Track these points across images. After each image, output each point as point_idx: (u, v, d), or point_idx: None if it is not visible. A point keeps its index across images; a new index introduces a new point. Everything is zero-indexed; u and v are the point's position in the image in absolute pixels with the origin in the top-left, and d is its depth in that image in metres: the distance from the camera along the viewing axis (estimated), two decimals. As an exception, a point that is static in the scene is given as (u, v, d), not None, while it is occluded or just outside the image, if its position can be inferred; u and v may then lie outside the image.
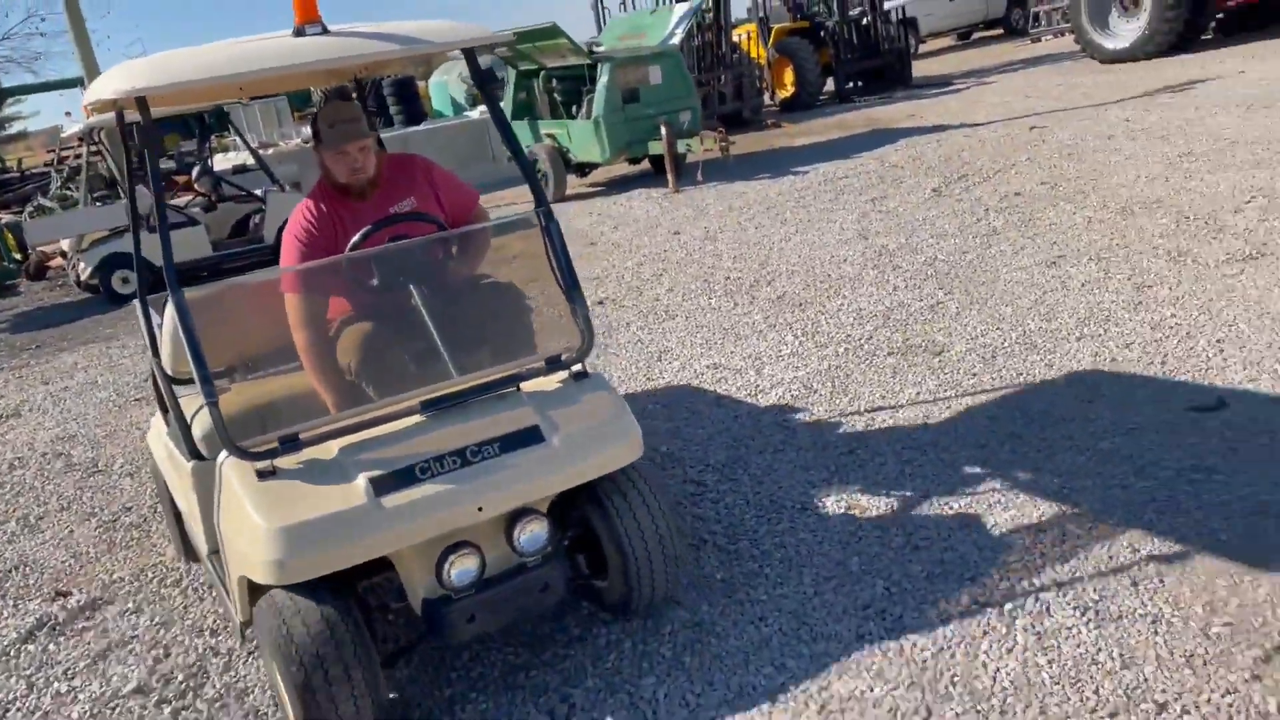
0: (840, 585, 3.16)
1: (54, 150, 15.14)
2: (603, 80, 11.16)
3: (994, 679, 2.63)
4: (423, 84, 21.77)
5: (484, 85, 3.09)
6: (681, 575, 3.31)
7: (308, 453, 2.66)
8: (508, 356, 2.97)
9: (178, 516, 3.75)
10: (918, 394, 4.53)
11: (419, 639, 2.95)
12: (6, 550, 4.50)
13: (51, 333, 9.45)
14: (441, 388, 2.81)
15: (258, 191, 10.54)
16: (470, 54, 3.06)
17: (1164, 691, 2.47)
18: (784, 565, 3.33)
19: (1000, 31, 25.93)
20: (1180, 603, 2.79)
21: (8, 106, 36.68)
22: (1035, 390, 4.35)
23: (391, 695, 2.94)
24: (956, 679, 2.66)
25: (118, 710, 3.16)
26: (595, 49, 12.07)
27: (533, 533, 2.73)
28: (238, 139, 12.88)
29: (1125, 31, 15.00)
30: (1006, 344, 4.91)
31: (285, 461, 2.63)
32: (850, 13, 17.58)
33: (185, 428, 3.06)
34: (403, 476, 2.60)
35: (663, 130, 10.74)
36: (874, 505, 3.62)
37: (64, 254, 11.94)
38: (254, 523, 2.51)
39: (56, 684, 3.36)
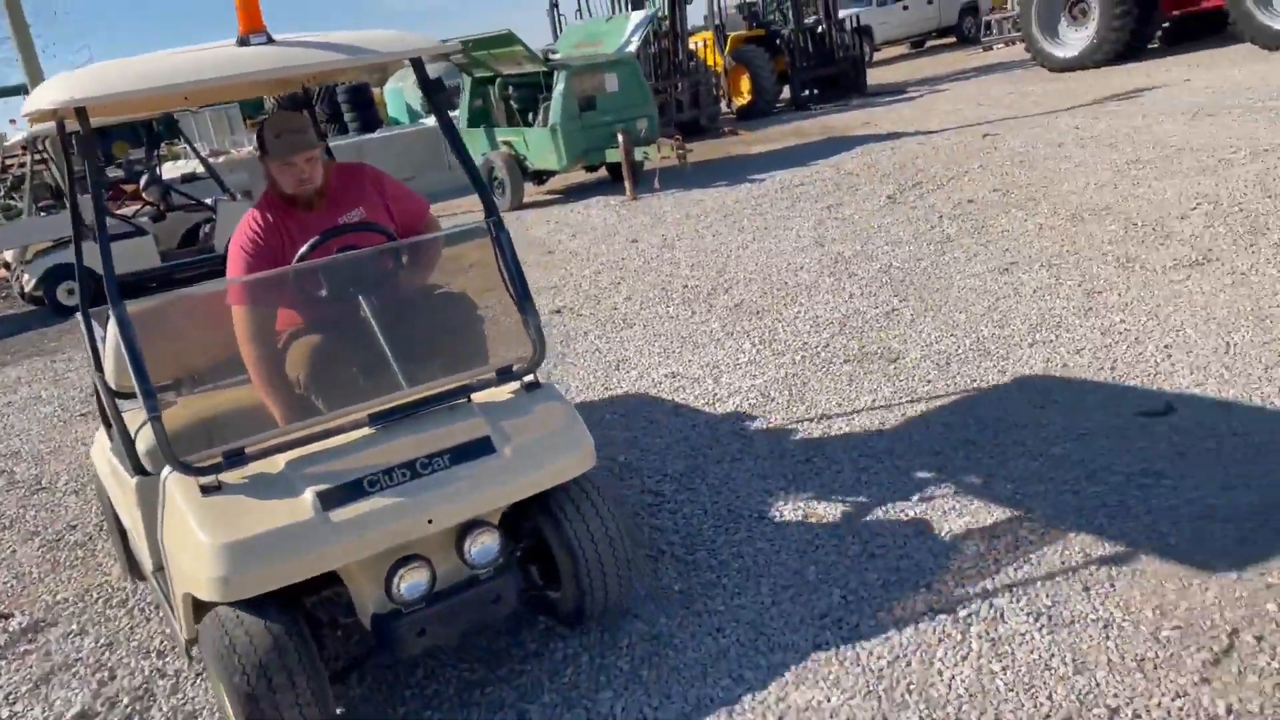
0: (797, 594, 3.16)
1: (-3, 158, 14.80)
2: (559, 88, 11.14)
3: (949, 686, 2.64)
4: (378, 91, 21.60)
5: (431, 94, 3.06)
6: (637, 585, 3.30)
7: (253, 467, 2.61)
8: (459, 367, 2.94)
9: (123, 534, 3.67)
10: (874, 401, 4.55)
11: (368, 654, 2.91)
12: (-55, 571, 4.37)
13: (-5, 345, 9.23)
14: (391, 399, 2.78)
15: (208, 200, 10.36)
16: (418, 63, 3.03)
17: (1115, 696, 2.49)
18: (741, 575, 3.32)
19: (953, 40, 26.30)
20: (1131, 607, 2.82)
21: (-50, 114, 35.84)
22: (989, 396, 4.39)
23: (340, 710, 2.89)
24: (912, 687, 2.66)
25: (60, 736, 3.07)
26: (551, 56, 12.05)
27: (484, 544, 2.71)
28: (188, 147, 12.68)
29: (1074, 40, 15.27)
30: (960, 350, 4.95)
31: (230, 476, 2.59)
32: (805, 21, 17.73)
33: (129, 443, 3.00)
34: (351, 490, 2.57)
35: (620, 138, 10.75)
36: (831, 513, 3.63)
37: (7, 265, 11.66)
38: (197, 539, 2.47)
39: (-4, 710, 3.27)
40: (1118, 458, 3.64)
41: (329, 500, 2.54)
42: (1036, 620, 2.82)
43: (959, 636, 2.82)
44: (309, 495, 2.54)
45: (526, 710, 2.82)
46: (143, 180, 10.81)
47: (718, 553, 3.48)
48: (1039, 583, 3.00)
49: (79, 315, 3.63)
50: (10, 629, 3.76)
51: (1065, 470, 3.63)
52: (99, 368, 3.40)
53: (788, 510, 3.70)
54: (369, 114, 19.51)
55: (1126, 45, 14.70)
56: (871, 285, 6.25)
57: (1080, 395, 4.23)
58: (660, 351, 5.77)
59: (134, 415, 3.02)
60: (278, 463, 2.63)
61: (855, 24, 17.77)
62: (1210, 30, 15.25)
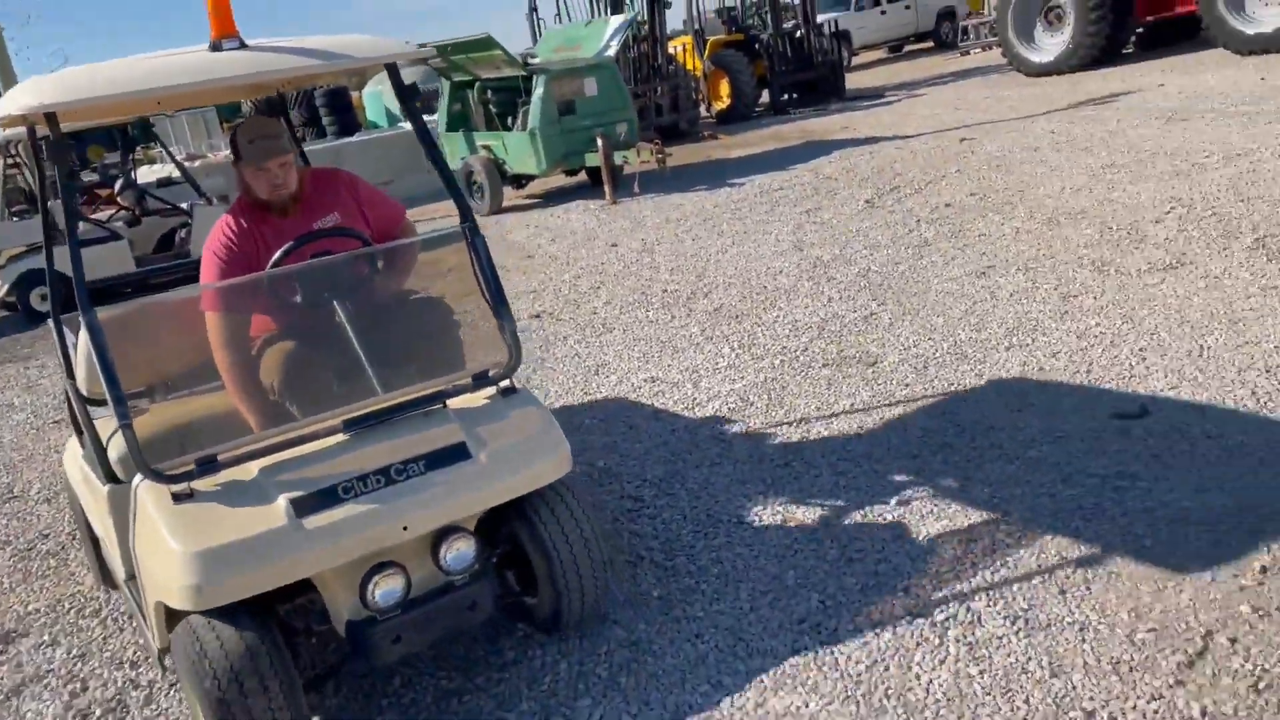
0: (776, 600, 3.16)
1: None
2: (538, 92, 11.12)
3: (927, 691, 2.64)
4: (356, 94, 21.50)
5: (406, 99, 3.05)
6: (616, 591, 3.29)
7: (226, 474, 2.60)
8: (434, 373, 2.93)
9: (95, 543, 3.63)
10: (852, 405, 4.56)
11: (343, 662, 2.90)
12: (-86, 582, 4.31)
13: (-33, 352, 9.12)
14: (366, 405, 2.77)
15: (184, 205, 10.28)
16: (392, 68, 3.02)
17: (1091, 699, 2.50)
18: (720, 581, 3.32)
19: (930, 44, 26.48)
20: (1107, 609, 2.83)
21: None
22: (966, 400, 4.41)
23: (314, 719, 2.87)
24: (890, 691, 2.66)
25: (30, 749, 3.03)
26: (530, 61, 12.03)
27: (459, 551, 2.71)
28: (163, 151, 12.57)
29: (1050, 46, 15.41)
30: (938, 354, 4.97)
31: (203, 484, 2.57)
32: (784, 26, 17.79)
33: (100, 450, 2.97)
34: (325, 497, 2.55)
35: (599, 142, 10.74)
36: (809, 518, 3.63)
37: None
38: (169, 547, 2.46)
39: (-35, 723, 3.22)
40: (1093, 460, 3.67)
41: (302, 507, 2.52)
42: (1013, 624, 2.83)
43: (936, 640, 2.82)
44: (282, 502, 2.53)
45: (504, 719, 2.81)
46: (118, 185, 10.71)
47: (697, 558, 3.48)
48: (1016, 586, 3.01)
49: (51, 321, 3.59)
50: (-20, 640, 3.71)
51: (1042, 473, 3.64)
52: (71, 374, 3.37)
53: (767, 515, 3.70)
54: (347, 118, 19.40)
55: (1101, 50, 14.86)
56: (850, 289, 6.27)
57: (1056, 398, 4.26)
58: (640, 356, 5.76)
59: (106, 422, 2.99)
60: (251, 470, 2.61)
61: (834, 29, 17.87)
62: (1184, 35, 15.43)
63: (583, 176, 12.47)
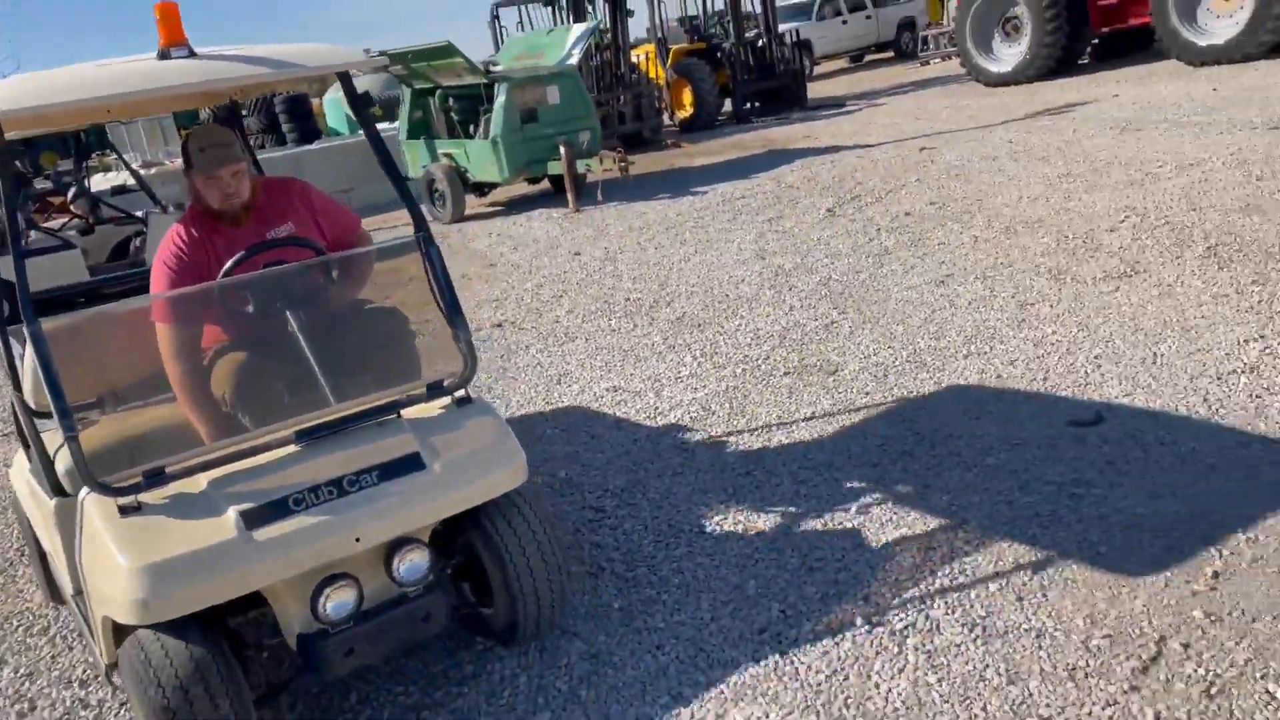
0: (737, 610, 3.15)
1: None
2: (500, 100, 11.08)
3: (886, 700, 2.65)
4: (317, 101, 21.34)
5: (359, 108, 3.03)
6: (576, 604, 3.27)
7: (175, 487, 2.56)
8: (389, 383, 2.91)
9: (43, 558, 3.55)
10: (813, 413, 4.58)
11: (295, 676, 2.86)
12: None
13: (-87, 363, 8.90)
14: (318, 416, 2.74)
15: (138, 213, 10.11)
16: (345, 77, 2.99)
17: (1048, 706, 2.52)
18: (682, 591, 3.31)
19: (891, 54, 26.72)
20: (1062, 616, 2.86)
21: None
22: (925, 407, 4.44)
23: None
24: (850, 701, 2.67)
25: (-27, 773, 2.95)
26: (492, 68, 11.99)
27: (413, 562, 2.69)
28: (118, 158, 12.38)
29: (1008, 56, 15.64)
30: (898, 362, 5.01)
31: (150, 496, 2.53)
32: (747, 35, 17.88)
33: (47, 463, 2.92)
34: (275, 508, 2.53)
35: (562, 150, 10.72)
36: (771, 527, 3.63)
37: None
38: (116, 561, 2.42)
39: (-95, 747, 3.13)
40: (1050, 467, 3.70)
41: (252, 519, 2.49)
42: (971, 631, 2.85)
43: (896, 649, 2.83)
44: (232, 514, 2.50)
45: (463, 734, 2.78)
46: (71, 192, 10.52)
47: (658, 569, 3.47)
48: (974, 593, 3.03)
49: None
50: (-77, 661, 3.61)
51: (999, 481, 3.67)
52: (17, 386, 3.29)
53: (728, 524, 3.70)
54: (307, 125, 19.24)
55: (1058, 61, 15.10)
56: (811, 298, 6.30)
57: (1014, 405, 4.30)
58: (602, 365, 5.75)
59: (53, 435, 2.94)
60: (200, 482, 2.58)
61: (795, 38, 17.96)
62: (1137, 46, 15.73)
63: (545, 185, 12.44)
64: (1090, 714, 2.47)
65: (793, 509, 3.73)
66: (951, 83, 17.29)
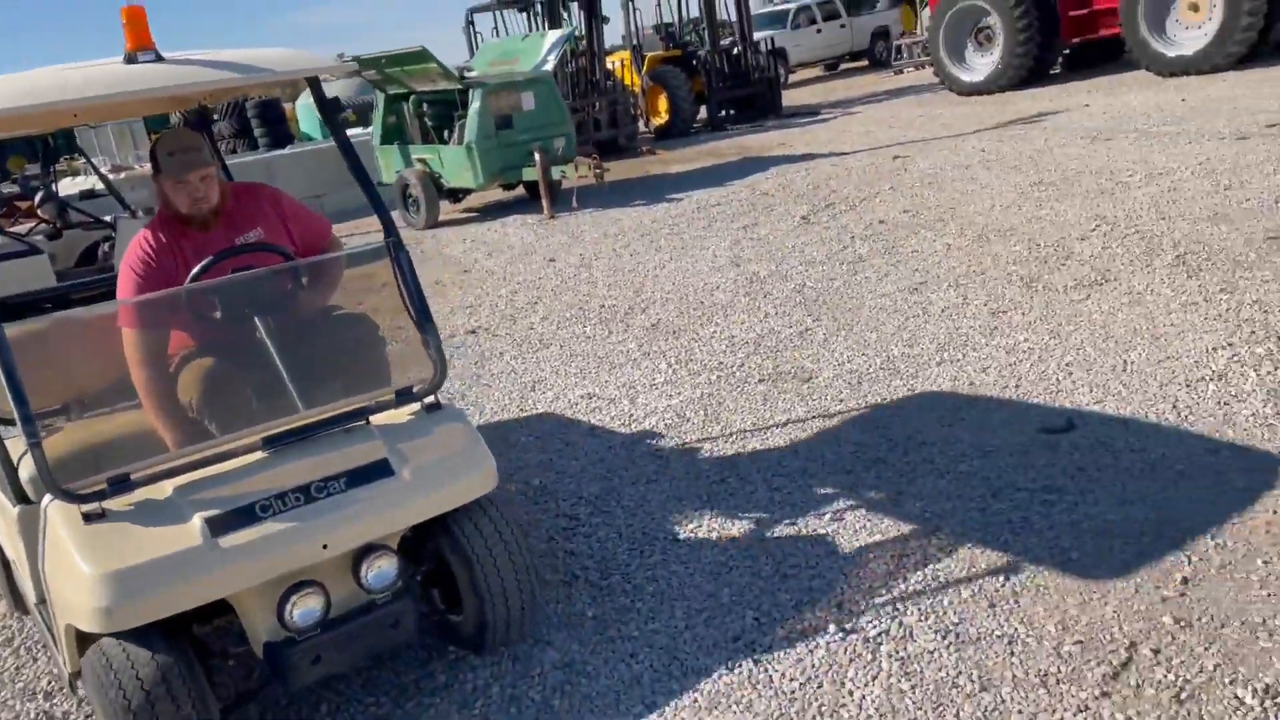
0: (711, 618, 3.14)
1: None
2: (475, 106, 11.05)
3: (860, 707, 2.65)
4: (289, 106, 21.21)
5: (329, 114, 3.01)
6: (547, 609, 3.25)
7: (140, 493, 2.54)
8: (358, 389, 2.89)
9: (6, 566, 3.49)
10: (787, 420, 4.58)
11: (262, 685, 2.83)
12: None
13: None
14: (286, 422, 2.72)
15: (107, 218, 9.99)
16: (314, 82, 2.97)
17: (1020, 712, 2.53)
18: (656, 599, 3.29)
19: (865, 63, 26.94)
20: (1034, 622, 2.87)
21: None
22: (899, 414, 4.46)
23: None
24: (824, 708, 2.66)
25: (-68, 788, 2.89)
26: (467, 74, 11.96)
27: (381, 569, 2.67)
28: (87, 162, 12.24)
29: (980, 65, 15.81)
30: (871, 369, 5.02)
31: (115, 503, 2.51)
32: (722, 43, 17.95)
33: (10, 470, 2.88)
34: (242, 515, 2.51)
35: (537, 156, 10.70)
36: (745, 534, 3.63)
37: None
38: (79, 568, 2.39)
39: None
40: (1022, 474, 3.72)
41: (218, 526, 2.47)
42: (944, 638, 2.85)
43: (869, 656, 2.83)
44: (197, 521, 2.47)
45: (434, 745, 2.75)
46: (38, 197, 10.38)
47: (632, 577, 3.45)
48: (947, 600, 3.04)
49: None
50: (-119, 674, 3.53)
51: (972, 487, 3.69)
52: (-21, 393, 3.24)
53: (702, 532, 3.69)
54: (280, 129, 19.12)
55: (1030, 71, 15.28)
56: (786, 305, 6.31)
57: (986, 413, 4.32)
58: (577, 372, 5.73)
59: (17, 442, 2.89)
60: (166, 489, 2.55)
61: (770, 46, 18.12)
62: (1108, 57, 15.93)
63: (520, 191, 12.41)
64: (1062, 720, 2.48)
65: (767, 516, 3.73)
66: (925, 91, 17.44)
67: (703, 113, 17.87)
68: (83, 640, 2.55)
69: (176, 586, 2.40)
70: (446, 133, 11.82)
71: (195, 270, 2.89)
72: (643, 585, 3.39)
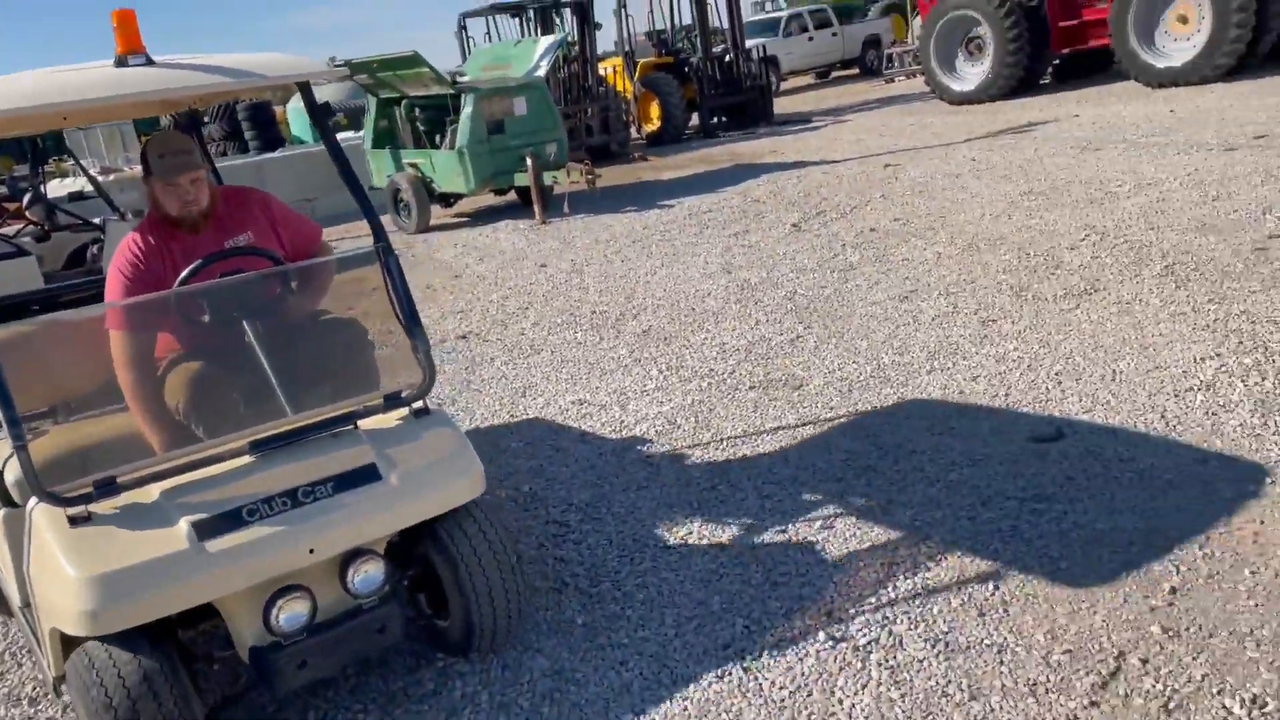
0: (701, 625, 3.14)
1: None
2: (467, 110, 11.05)
3: (849, 715, 2.64)
4: (281, 109, 21.15)
5: (319, 118, 3.00)
6: (536, 616, 3.24)
7: (126, 497, 2.52)
8: (346, 394, 2.89)
9: (-8, 571, 3.46)
10: (778, 428, 4.58)
11: (246, 689, 2.81)
12: None
13: None
14: (274, 427, 2.71)
15: (96, 220, 9.94)
16: (305, 87, 2.97)
17: (1010, 722, 2.53)
18: (646, 607, 3.29)
19: (856, 71, 27.03)
20: (1023, 631, 2.87)
21: None
22: (889, 422, 4.46)
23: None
24: (813, 717, 2.66)
25: (-87, 795, 2.86)
26: (459, 79, 11.95)
27: (367, 574, 2.67)
28: (75, 164, 12.19)
29: (971, 75, 15.88)
30: (862, 377, 5.03)
31: (101, 507, 2.50)
32: (714, 50, 17.99)
33: None
34: (228, 519, 2.50)
35: (528, 162, 10.70)
36: (735, 541, 3.62)
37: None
38: (64, 572, 2.38)
39: None
40: (1011, 483, 3.73)
41: (205, 530, 2.46)
42: (934, 646, 2.85)
43: (859, 665, 2.83)
44: (184, 525, 2.47)
45: (422, 752, 2.74)
46: (26, 198, 10.32)
47: (622, 584, 3.44)
48: (936, 608, 3.04)
49: None
50: None
51: (962, 496, 3.69)
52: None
53: (693, 539, 3.68)
54: (271, 133, 19.06)
55: (1020, 80, 15.37)
56: (777, 312, 6.32)
57: (976, 421, 4.33)
58: (567, 378, 5.72)
59: (3, 445, 2.88)
60: (152, 492, 2.54)
61: (762, 54, 18.10)
62: (1097, 68, 16.04)
63: (512, 196, 12.41)
64: (1051, 730, 2.48)
65: (757, 523, 3.73)
66: (915, 100, 17.50)
67: (695, 119, 17.90)
68: (68, 644, 2.54)
69: (162, 590, 2.40)
70: (438, 137, 11.81)
71: (184, 273, 2.87)
72: (633, 592, 3.38)
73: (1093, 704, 2.54)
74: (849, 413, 4.63)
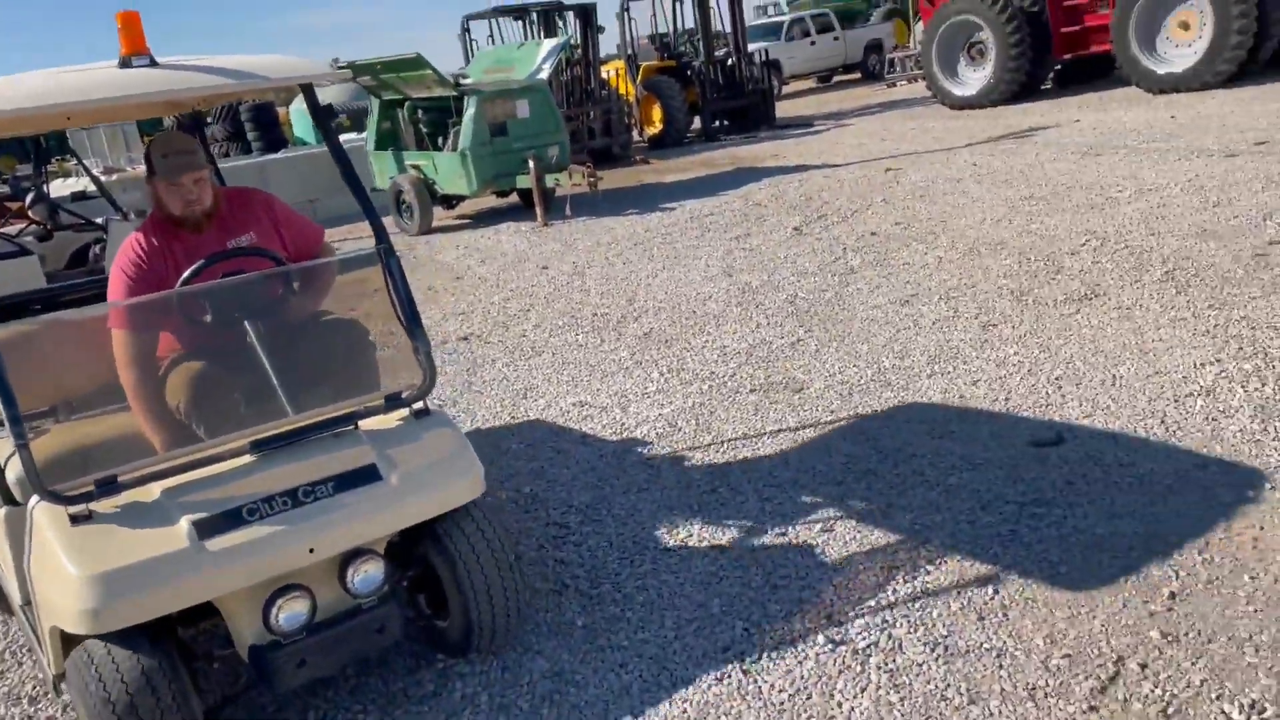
0: (701, 628, 3.14)
1: None
2: (470, 112, 11.06)
3: (848, 719, 2.64)
4: (283, 110, 21.17)
5: (321, 120, 3.01)
6: (536, 618, 3.25)
7: (127, 496, 2.53)
8: (347, 394, 2.90)
9: (-7, 569, 3.47)
10: (778, 431, 4.59)
11: (245, 688, 2.82)
12: None
13: None
14: (275, 426, 2.72)
15: (99, 220, 9.95)
16: (308, 89, 2.98)
17: (1009, 725, 2.53)
18: (646, 609, 3.29)
19: (858, 76, 27.06)
20: (1022, 635, 2.87)
21: None
22: (889, 426, 4.47)
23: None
24: (813, 720, 2.66)
25: (-87, 793, 2.87)
26: (462, 81, 11.97)
27: (367, 573, 2.67)
28: (78, 163, 12.20)
29: (972, 80, 15.90)
30: (863, 381, 5.03)
31: (103, 505, 2.51)
32: (716, 53, 18.00)
33: None
34: (229, 518, 2.51)
35: (530, 164, 10.71)
36: (735, 544, 3.63)
37: (-121, 283, 10.97)
38: (65, 570, 2.39)
39: None
40: (1011, 487, 3.74)
41: (205, 529, 2.47)
42: (933, 650, 2.86)
43: (859, 668, 2.83)
44: (184, 524, 2.47)
45: (421, 753, 2.74)
46: (29, 198, 10.34)
47: (622, 586, 3.45)
48: (936, 612, 3.04)
49: None
50: None
51: (961, 500, 3.70)
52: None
53: (693, 541, 3.69)
54: (273, 134, 19.05)
55: (1021, 86, 15.38)
56: (778, 315, 6.32)
57: (976, 425, 4.34)
58: (569, 380, 5.73)
59: (4, 443, 2.89)
60: (153, 491, 2.55)
61: (764, 58, 18.11)
62: (1098, 74, 16.04)
63: (514, 198, 12.42)
64: (1050, 734, 2.48)
65: (757, 526, 3.73)
66: (917, 105, 17.52)
67: (696, 123, 17.91)
68: (68, 642, 2.55)
69: (163, 589, 2.40)
70: (441, 139, 11.82)
71: (186, 274, 2.88)
72: (633, 594, 3.38)
73: (1092, 709, 2.55)
74: (849, 416, 4.64)
